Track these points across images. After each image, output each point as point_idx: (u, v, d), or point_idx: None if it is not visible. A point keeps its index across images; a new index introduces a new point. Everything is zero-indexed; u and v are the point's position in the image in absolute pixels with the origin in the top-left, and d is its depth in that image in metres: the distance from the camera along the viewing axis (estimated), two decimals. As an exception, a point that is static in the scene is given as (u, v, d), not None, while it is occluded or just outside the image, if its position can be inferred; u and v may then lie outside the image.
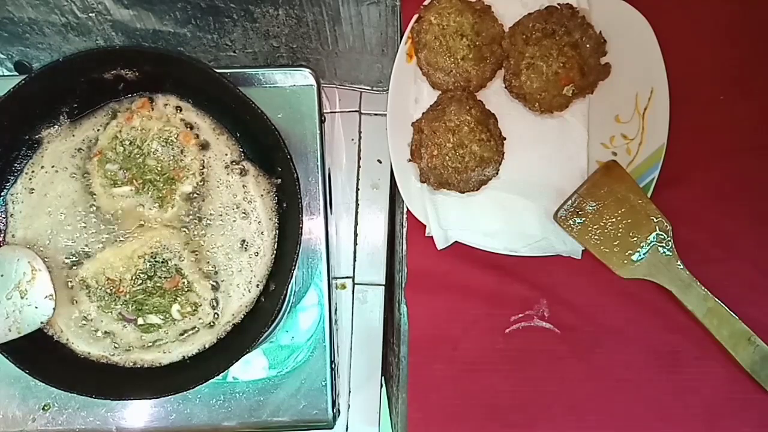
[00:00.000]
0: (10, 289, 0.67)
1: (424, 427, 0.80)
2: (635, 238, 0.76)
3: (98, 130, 0.73)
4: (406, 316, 0.80)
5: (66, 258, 0.71)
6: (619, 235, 0.76)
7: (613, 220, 0.75)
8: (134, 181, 0.71)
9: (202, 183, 0.72)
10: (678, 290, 0.76)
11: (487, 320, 0.80)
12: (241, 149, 0.73)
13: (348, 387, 0.81)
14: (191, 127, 0.73)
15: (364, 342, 0.81)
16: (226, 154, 0.73)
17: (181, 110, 0.73)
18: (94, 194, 0.72)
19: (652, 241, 0.76)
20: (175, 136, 0.71)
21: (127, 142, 0.71)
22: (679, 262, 0.76)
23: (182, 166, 0.71)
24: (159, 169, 0.71)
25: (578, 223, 0.75)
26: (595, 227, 0.76)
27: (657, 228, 0.76)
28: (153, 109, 0.72)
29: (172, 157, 0.71)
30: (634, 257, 0.76)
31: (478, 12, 0.75)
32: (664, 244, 0.76)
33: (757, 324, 0.76)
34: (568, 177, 0.77)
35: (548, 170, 0.78)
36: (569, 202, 0.75)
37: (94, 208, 0.72)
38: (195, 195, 0.73)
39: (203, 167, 0.72)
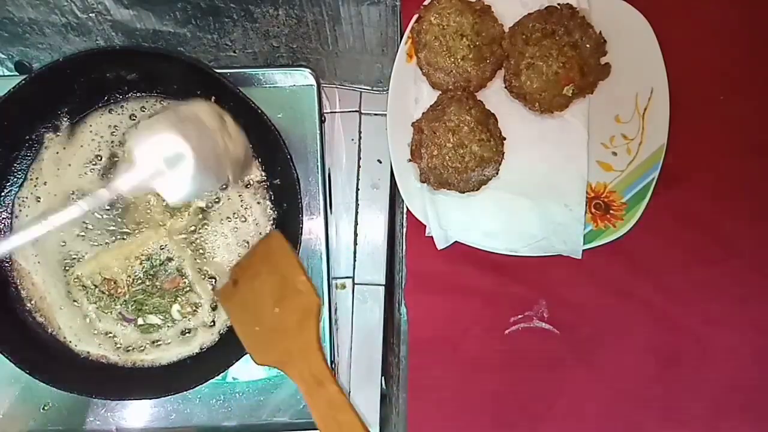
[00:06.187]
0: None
1: (424, 427, 0.80)
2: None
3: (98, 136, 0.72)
4: (405, 317, 0.80)
5: (66, 254, 0.71)
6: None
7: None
8: None
9: (217, 201, 0.72)
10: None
11: (486, 321, 0.79)
12: (264, 174, 0.73)
13: (348, 387, 0.81)
14: None
15: (364, 342, 0.81)
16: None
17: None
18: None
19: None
20: None
21: None
22: None
23: None
24: None
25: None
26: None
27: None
28: None
29: None
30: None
31: (478, 12, 0.75)
32: None
33: (757, 324, 0.76)
34: (568, 177, 0.77)
35: (548, 170, 0.78)
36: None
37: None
38: (205, 210, 0.73)
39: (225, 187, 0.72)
